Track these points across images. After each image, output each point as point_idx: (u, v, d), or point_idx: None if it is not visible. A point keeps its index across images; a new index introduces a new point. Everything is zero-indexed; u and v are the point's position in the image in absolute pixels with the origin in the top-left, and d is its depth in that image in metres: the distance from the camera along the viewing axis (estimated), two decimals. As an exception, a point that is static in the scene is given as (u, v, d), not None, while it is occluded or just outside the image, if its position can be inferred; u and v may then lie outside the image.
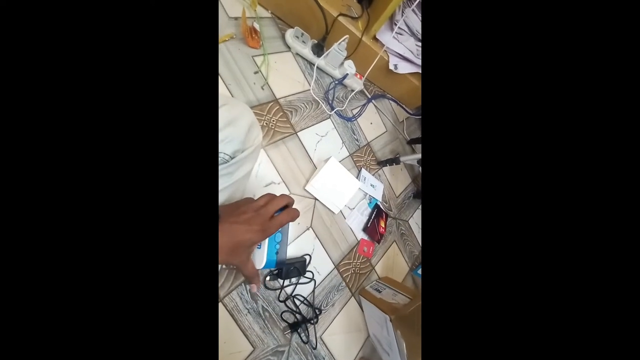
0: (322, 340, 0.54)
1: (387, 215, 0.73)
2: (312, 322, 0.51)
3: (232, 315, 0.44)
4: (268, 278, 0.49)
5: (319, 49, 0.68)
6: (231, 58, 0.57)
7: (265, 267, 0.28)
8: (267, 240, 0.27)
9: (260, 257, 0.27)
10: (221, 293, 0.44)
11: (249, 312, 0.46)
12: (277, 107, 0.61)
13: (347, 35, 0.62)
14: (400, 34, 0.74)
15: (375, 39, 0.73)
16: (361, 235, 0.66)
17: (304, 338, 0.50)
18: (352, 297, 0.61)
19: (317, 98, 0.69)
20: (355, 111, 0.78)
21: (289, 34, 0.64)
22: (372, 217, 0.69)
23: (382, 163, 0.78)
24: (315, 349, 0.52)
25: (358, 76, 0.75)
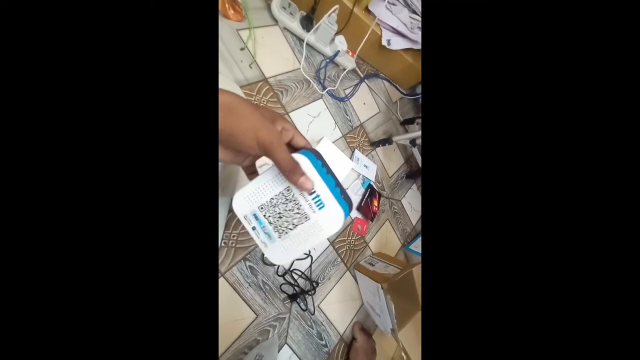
0: (319, 308, 0.58)
1: (380, 195, 0.76)
2: (309, 293, 0.55)
3: (234, 288, 0.47)
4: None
5: (308, 23, 0.64)
6: (215, 34, 0.55)
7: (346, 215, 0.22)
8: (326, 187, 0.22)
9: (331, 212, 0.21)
10: (222, 269, 0.47)
11: (249, 285, 0.49)
12: (267, 87, 0.60)
13: (337, 6, 0.59)
14: (394, 4, 0.70)
15: (367, 10, 0.69)
16: (355, 214, 0.69)
17: (303, 306, 0.54)
18: (347, 272, 0.65)
19: (307, 77, 0.66)
20: (347, 91, 0.77)
21: (275, 4, 0.60)
22: (366, 197, 0.71)
23: (375, 144, 0.78)
24: (313, 314, 0.56)
25: (350, 53, 0.73)
